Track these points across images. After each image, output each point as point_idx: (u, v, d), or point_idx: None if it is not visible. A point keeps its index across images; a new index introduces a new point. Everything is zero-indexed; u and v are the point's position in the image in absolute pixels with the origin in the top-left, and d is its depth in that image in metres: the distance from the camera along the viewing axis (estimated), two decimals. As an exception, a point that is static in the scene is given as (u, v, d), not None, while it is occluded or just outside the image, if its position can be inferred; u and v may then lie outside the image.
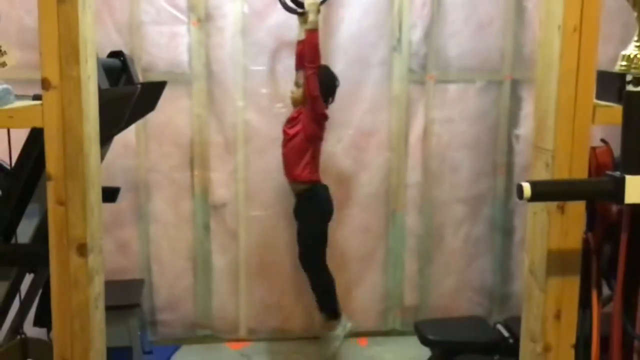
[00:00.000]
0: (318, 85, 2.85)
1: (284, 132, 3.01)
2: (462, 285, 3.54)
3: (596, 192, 1.29)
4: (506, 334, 2.73)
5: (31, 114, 1.35)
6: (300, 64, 2.96)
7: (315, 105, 2.89)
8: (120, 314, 2.86)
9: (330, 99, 3.00)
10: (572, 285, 1.47)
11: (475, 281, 3.54)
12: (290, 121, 3.00)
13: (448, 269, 3.51)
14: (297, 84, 2.98)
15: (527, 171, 2.26)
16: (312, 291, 3.14)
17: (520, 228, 3.38)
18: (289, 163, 2.99)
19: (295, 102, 2.99)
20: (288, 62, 3.23)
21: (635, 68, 1.45)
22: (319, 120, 2.95)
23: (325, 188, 3.08)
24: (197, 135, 3.25)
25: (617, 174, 1.24)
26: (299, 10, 2.94)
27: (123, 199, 2.95)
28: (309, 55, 2.85)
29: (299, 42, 2.98)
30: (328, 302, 3.12)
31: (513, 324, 2.67)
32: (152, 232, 3.30)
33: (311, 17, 2.84)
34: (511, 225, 3.47)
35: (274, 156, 3.28)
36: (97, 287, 1.50)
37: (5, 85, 1.41)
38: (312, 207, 3.07)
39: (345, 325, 3.12)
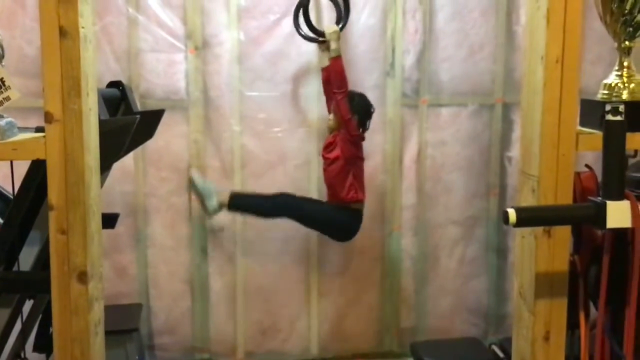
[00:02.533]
0: (349, 108, 2.91)
1: (323, 157, 3.05)
2: (458, 306, 3.56)
3: (579, 217, 1.34)
4: (501, 354, 2.76)
5: (34, 146, 1.40)
6: (327, 91, 3.02)
7: (349, 128, 2.93)
8: (119, 339, 2.88)
9: (368, 123, 3.04)
10: (560, 307, 1.51)
11: (470, 302, 3.57)
12: (328, 146, 3.04)
13: (444, 290, 3.55)
14: (331, 112, 3.03)
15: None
16: (254, 194, 3.14)
17: (514, 249, 3.42)
18: (333, 187, 3.03)
19: (332, 129, 3.04)
20: (283, 87, 3.30)
21: (616, 96, 1.51)
22: (356, 142, 3.00)
23: (360, 217, 3.08)
24: (194, 160, 3.29)
25: (599, 199, 1.28)
26: (320, 39, 3.01)
27: (121, 224, 2.99)
28: (336, 82, 2.90)
29: (323, 70, 3.04)
30: (245, 205, 3.11)
31: (508, 345, 2.70)
32: (150, 257, 3.33)
33: (333, 45, 2.91)
34: (505, 246, 3.51)
35: (271, 180, 3.33)
36: (97, 314, 1.54)
37: (9, 119, 1.45)
38: (342, 218, 3.07)
39: (215, 206, 3.06)
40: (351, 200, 3.00)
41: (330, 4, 3.11)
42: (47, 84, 1.38)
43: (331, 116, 3.03)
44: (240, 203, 3.07)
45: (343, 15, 3.06)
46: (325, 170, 3.06)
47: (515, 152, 3.42)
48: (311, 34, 3.04)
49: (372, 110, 3.05)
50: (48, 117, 1.38)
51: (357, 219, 3.06)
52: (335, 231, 3.12)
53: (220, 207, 3.02)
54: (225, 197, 3.03)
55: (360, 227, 3.08)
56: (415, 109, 3.41)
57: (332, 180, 3.02)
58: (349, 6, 3.07)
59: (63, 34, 1.37)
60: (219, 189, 3.11)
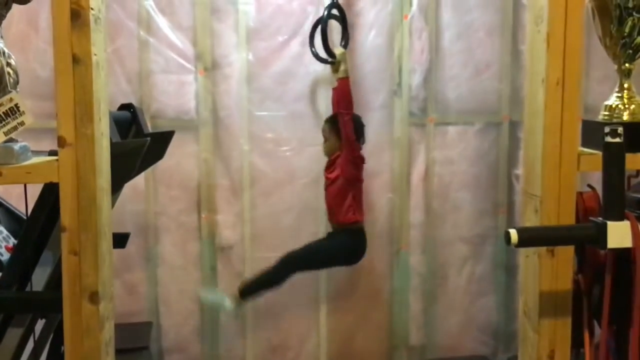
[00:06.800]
0: (354, 129, 2.96)
1: (325, 177, 3.10)
2: (467, 324, 3.56)
3: (580, 237, 1.36)
4: (509, 373, 2.75)
5: (48, 169, 1.44)
6: (334, 111, 3.08)
7: (353, 148, 2.99)
8: (129, 357, 2.90)
9: (362, 139, 3.10)
10: (564, 326, 1.52)
11: (480, 320, 3.57)
12: (329, 166, 3.09)
13: (453, 308, 3.55)
14: (325, 138, 3.10)
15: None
16: (258, 273, 3.14)
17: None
18: (332, 207, 3.07)
19: (329, 153, 3.09)
20: (292, 107, 3.35)
21: (616, 118, 1.53)
22: (357, 163, 3.04)
23: (364, 236, 3.12)
24: (204, 178, 3.33)
25: (600, 220, 1.30)
26: (330, 59, 3.06)
27: (131, 243, 3.02)
28: (344, 102, 2.97)
29: (334, 90, 3.10)
30: (255, 289, 3.11)
31: (516, 363, 2.70)
32: (159, 275, 3.36)
33: (343, 66, 2.98)
34: (514, 263, 3.51)
35: (279, 198, 3.37)
36: (108, 333, 1.57)
37: (23, 143, 1.50)
38: (344, 242, 3.11)
39: (233, 306, 3.11)
40: (349, 221, 3.03)
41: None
42: (60, 109, 1.43)
43: (326, 142, 3.08)
44: (250, 289, 3.10)
45: (343, 35, 3.11)
46: (325, 190, 3.10)
47: (522, 169, 3.43)
48: (322, 55, 3.08)
49: (364, 130, 3.12)
50: (61, 142, 1.42)
51: (360, 239, 3.09)
52: (343, 260, 3.16)
53: (238, 302, 3.08)
54: (235, 293, 3.08)
55: (367, 246, 3.10)
56: (422, 127, 3.44)
57: (331, 200, 3.06)
58: (347, 27, 3.11)
59: (76, 61, 1.42)
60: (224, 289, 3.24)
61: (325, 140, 3.08)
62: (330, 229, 3.16)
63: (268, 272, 3.09)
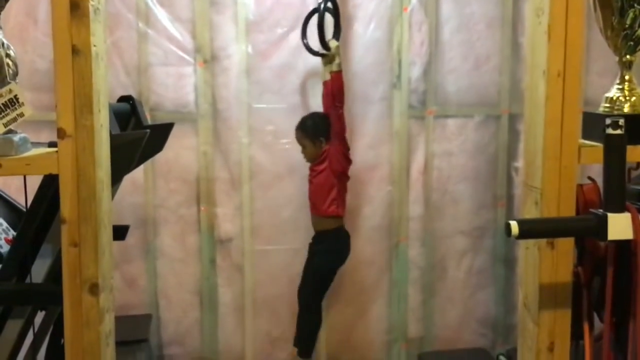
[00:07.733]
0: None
1: (311, 170, 3.10)
2: (466, 317, 3.57)
3: (581, 229, 1.36)
4: (508, 365, 2.76)
5: (47, 161, 1.43)
6: (327, 104, 3.08)
7: (345, 141, 3.02)
8: (128, 349, 2.91)
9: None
10: (564, 318, 1.52)
11: (478, 312, 3.58)
12: (315, 159, 3.09)
13: (451, 300, 3.55)
14: (302, 145, 3.10)
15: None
16: (296, 323, 3.20)
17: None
18: (316, 199, 3.08)
19: (311, 158, 3.10)
20: (291, 99, 3.34)
21: (617, 110, 1.53)
22: (347, 157, 3.06)
23: (347, 235, 3.18)
24: (203, 171, 3.33)
25: (600, 212, 1.30)
26: (325, 52, 3.05)
27: (131, 236, 3.02)
28: (339, 96, 2.99)
29: (325, 83, 3.09)
30: (305, 340, 3.17)
31: (515, 356, 2.71)
32: (159, 268, 3.37)
33: (337, 59, 2.99)
34: (513, 256, 3.52)
35: (279, 191, 3.37)
36: (108, 325, 1.57)
37: (22, 135, 1.49)
38: (329, 247, 3.15)
39: None
40: (331, 214, 3.05)
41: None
42: (59, 100, 1.42)
43: (304, 149, 3.09)
44: (302, 342, 3.17)
45: (336, 29, 3.11)
46: (310, 182, 3.12)
47: (521, 162, 3.43)
48: (313, 48, 3.08)
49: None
50: (60, 133, 1.42)
51: (342, 238, 3.14)
52: (337, 261, 3.17)
53: None
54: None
55: (350, 244, 3.18)
56: (422, 120, 3.43)
57: (316, 191, 3.08)
58: (340, 20, 3.10)
59: (75, 52, 1.41)
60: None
61: (303, 147, 3.09)
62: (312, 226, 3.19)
63: (302, 319, 3.16)
